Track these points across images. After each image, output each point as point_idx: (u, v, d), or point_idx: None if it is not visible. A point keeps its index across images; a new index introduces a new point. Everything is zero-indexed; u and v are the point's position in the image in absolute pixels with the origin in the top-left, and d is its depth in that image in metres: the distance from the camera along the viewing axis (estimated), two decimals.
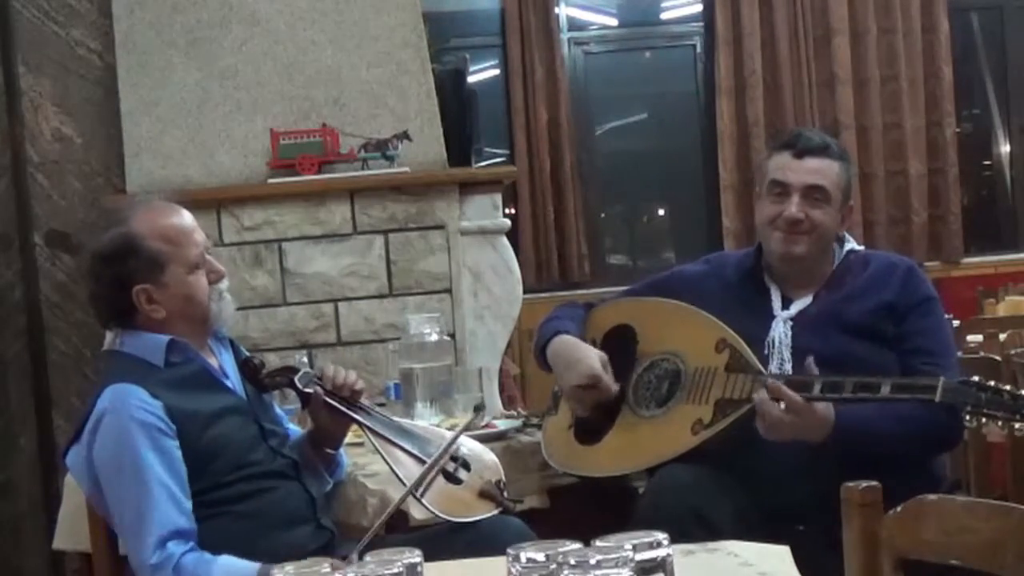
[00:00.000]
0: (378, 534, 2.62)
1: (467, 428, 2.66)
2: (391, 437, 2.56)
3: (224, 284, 2.53)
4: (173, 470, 2.33)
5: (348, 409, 2.56)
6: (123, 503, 2.33)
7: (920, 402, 2.46)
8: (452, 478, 2.54)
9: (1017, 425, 2.34)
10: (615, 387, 2.82)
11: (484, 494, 2.54)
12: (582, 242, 6.74)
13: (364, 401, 2.61)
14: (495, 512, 2.53)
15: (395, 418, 2.69)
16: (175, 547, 2.28)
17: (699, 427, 2.67)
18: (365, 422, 2.57)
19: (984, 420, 2.36)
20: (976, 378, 2.40)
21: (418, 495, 2.46)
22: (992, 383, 2.38)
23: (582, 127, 6.92)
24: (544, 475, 3.02)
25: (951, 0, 6.96)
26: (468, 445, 2.64)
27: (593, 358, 2.83)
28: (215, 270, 2.52)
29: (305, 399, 2.59)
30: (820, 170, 2.76)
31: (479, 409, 2.68)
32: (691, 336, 2.78)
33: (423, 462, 2.53)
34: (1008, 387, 2.37)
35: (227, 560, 2.29)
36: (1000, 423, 2.35)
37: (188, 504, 2.34)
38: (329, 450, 2.67)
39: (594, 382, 2.80)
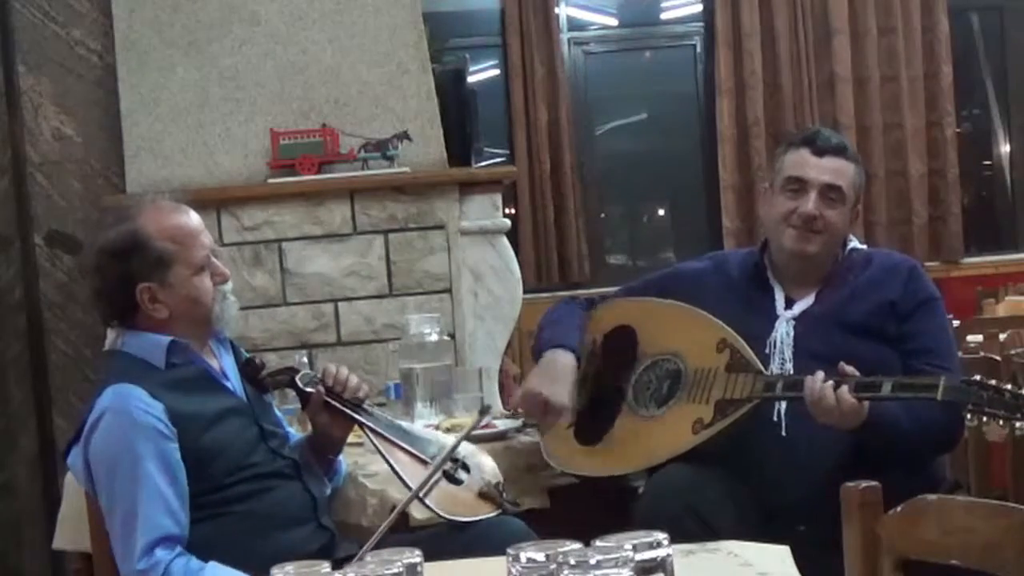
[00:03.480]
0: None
1: (472, 429, 2.65)
2: (392, 437, 2.56)
3: (228, 286, 2.53)
4: (170, 475, 2.32)
5: (348, 409, 2.56)
6: (115, 503, 2.33)
7: (921, 401, 2.46)
8: (452, 479, 2.54)
9: (1018, 424, 2.34)
10: (561, 418, 2.83)
11: (484, 495, 2.54)
12: (582, 242, 6.74)
13: (366, 404, 2.61)
14: (495, 513, 2.53)
15: (394, 420, 2.69)
16: (163, 553, 2.27)
17: (699, 427, 2.67)
18: (366, 422, 2.57)
19: (985, 419, 2.37)
20: (977, 377, 2.41)
21: (422, 495, 2.46)
22: (993, 382, 2.38)
23: (582, 127, 6.93)
24: (544, 475, 3.02)
25: (951, 0, 6.96)
26: (465, 448, 2.64)
27: (565, 393, 2.83)
28: (220, 272, 2.52)
29: (305, 399, 2.59)
30: (838, 170, 2.76)
31: (484, 412, 2.69)
32: (692, 336, 2.78)
33: (424, 462, 2.53)
34: (1009, 386, 2.37)
35: (216, 568, 2.28)
36: (1001, 422, 2.35)
37: (181, 511, 2.32)
38: (329, 455, 2.67)
39: (546, 408, 2.82)
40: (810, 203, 2.73)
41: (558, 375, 2.86)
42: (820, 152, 2.76)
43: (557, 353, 2.89)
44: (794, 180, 2.77)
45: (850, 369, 2.52)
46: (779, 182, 2.80)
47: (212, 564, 2.29)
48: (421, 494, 2.45)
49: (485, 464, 2.63)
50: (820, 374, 2.51)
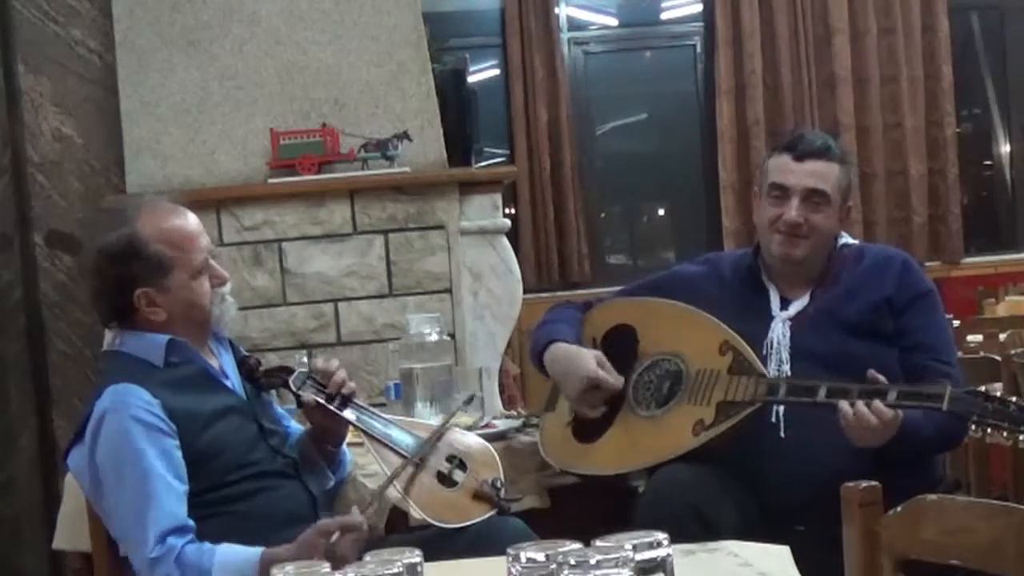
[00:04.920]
0: (377, 533, 2.62)
1: (451, 417, 2.65)
2: (383, 438, 2.56)
3: (227, 288, 2.53)
4: (173, 468, 2.33)
5: (340, 411, 2.56)
6: (123, 501, 2.33)
7: (926, 410, 2.46)
8: (447, 480, 2.53)
9: (1022, 436, 2.34)
10: (619, 381, 2.81)
11: (479, 495, 2.53)
12: (582, 242, 6.74)
13: (358, 401, 2.61)
14: (490, 514, 2.52)
15: (391, 417, 2.68)
16: (175, 540, 2.28)
17: (700, 428, 2.67)
18: (358, 424, 2.57)
19: (989, 430, 2.37)
20: (983, 388, 2.41)
21: (401, 489, 2.45)
22: (999, 393, 2.39)
23: (582, 127, 6.92)
24: (544, 475, 3.02)
25: (951, 0, 6.96)
26: (465, 442, 2.64)
27: (589, 360, 2.82)
28: (218, 275, 2.52)
29: (299, 399, 2.59)
30: (821, 173, 2.74)
31: (468, 401, 2.69)
32: (694, 337, 2.78)
33: (414, 463, 2.53)
34: (1014, 398, 2.38)
35: (228, 548, 2.29)
36: (1005, 434, 2.35)
37: (185, 502, 2.33)
38: (331, 447, 2.66)
39: (594, 384, 2.80)
40: (793, 210, 2.73)
41: (569, 359, 2.84)
42: (801, 157, 2.75)
43: (553, 348, 2.88)
44: (777, 187, 2.77)
45: (881, 377, 2.50)
46: (764, 188, 2.80)
47: (225, 544, 2.29)
48: (402, 486, 2.45)
49: (485, 456, 2.61)
50: (848, 406, 2.49)
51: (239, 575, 2.25)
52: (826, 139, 2.85)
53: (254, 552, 2.26)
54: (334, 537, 2.21)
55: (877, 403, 2.46)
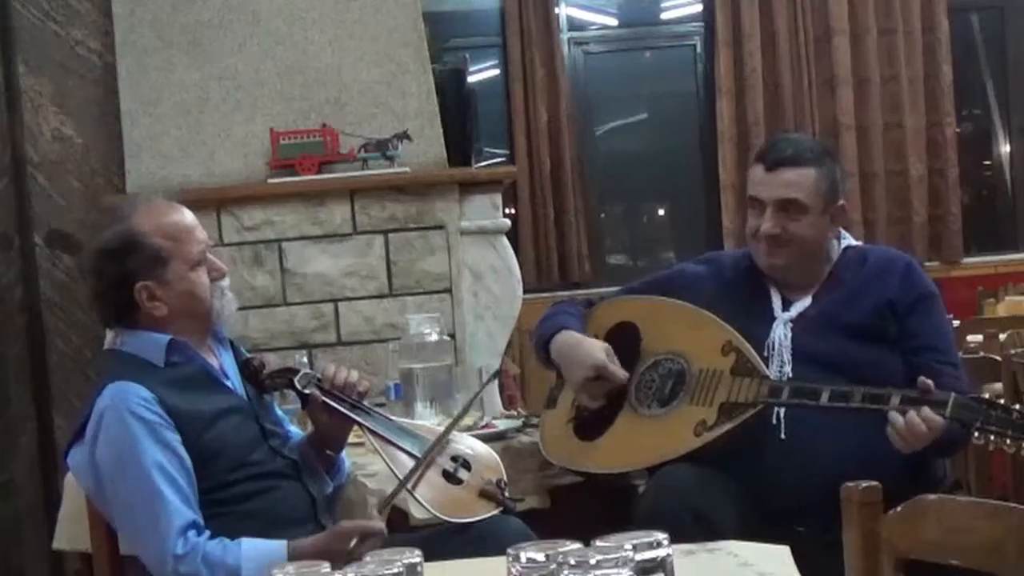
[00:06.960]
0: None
1: (482, 389, 2.64)
2: (390, 437, 2.56)
3: (226, 282, 2.54)
4: (178, 464, 2.33)
5: (347, 410, 2.56)
6: (132, 501, 2.33)
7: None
8: (452, 478, 2.54)
9: None
10: (623, 374, 2.81)
11: (484, 494, 2.53)
12: (582, 242, 6.73)
13: (364, 402, 2.61)
14: (495, 512, 2.52)
15: (395, 418, 2.69)
16: (196, 537, 2.28)
17: (702, 428, 2.67)
18: (364, 423, 2.57)
19: (992, 437, 2.37)
20: (986, 394, 2.41)
21: (409, 487, 2.46)
22: (1001, 401, 2.39)
23: (582, 127, 6.92)
24: (544, 475, 3.02)
25: (951, 0, 6.96)
26: (469, 444, 2.64)
27: (597, 349, 2.82)
28: (216, 268, 2.53)
29: (304, 400, 2.59)
30: (793, 182, 2.71)
31: (496, 375, 2.67)
32: (697, 337, 2.77)
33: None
34: (1017, 406, 2.38)
35: (252, 541, 2.29)
36: (1008, 441, 2.35)
37: (194, 499, 2.33)
38: (330, 452, 2.66)
39: (600, 373, 2.80)
40: (767, 222, 2.72)
41: (578, 345, 2.84)
42: (772, 166, 2.73)
43: (562, 335, 2.88)
44: (752, 199, 2.77)
45: (930, 383, 2.48)
46: (747, 199, 2.81)
47: (246, 538, 2.29)
48: (410, 484, 2.45)
49: (489, 459, 2.62)
50: (899, 418, 2.47)
51: (269, 567, 2.25)
52: (799, 144, 2.80)
53: (279, 544, 2.27)
54: (353, 542, 2.21)
55: (927, 411, 2.44)
